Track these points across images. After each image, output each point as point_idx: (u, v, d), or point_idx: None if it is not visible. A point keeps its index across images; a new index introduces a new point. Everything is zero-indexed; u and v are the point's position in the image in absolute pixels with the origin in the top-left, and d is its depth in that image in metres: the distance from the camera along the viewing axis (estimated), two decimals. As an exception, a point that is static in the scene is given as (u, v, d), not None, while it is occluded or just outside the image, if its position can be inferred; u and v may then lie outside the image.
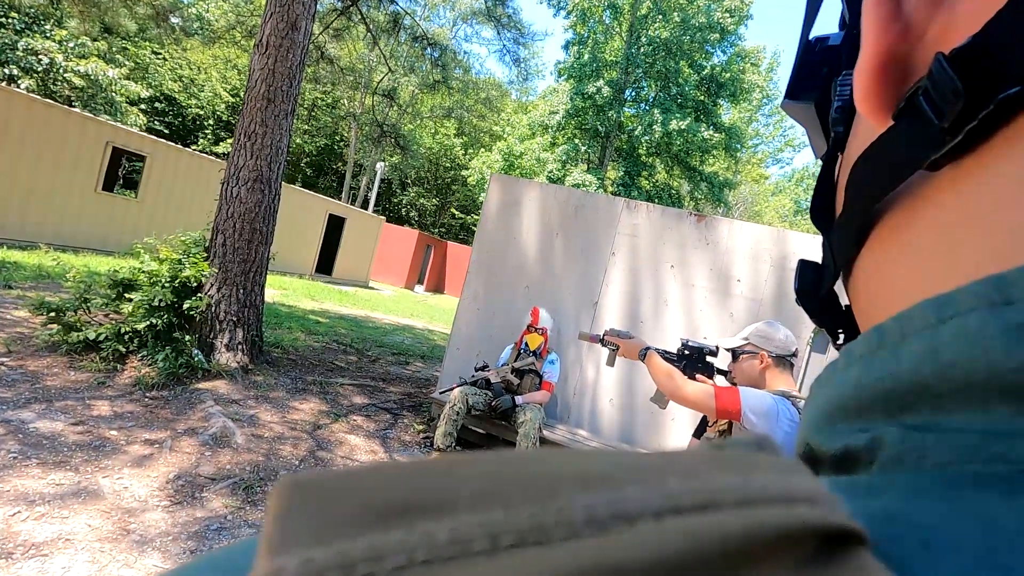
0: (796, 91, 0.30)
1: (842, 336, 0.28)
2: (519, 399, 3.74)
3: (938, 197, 0.17)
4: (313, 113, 28.09)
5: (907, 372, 0.14)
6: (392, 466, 0.10)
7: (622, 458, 0.10)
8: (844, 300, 0.28)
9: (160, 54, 23.17)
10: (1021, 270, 0.12)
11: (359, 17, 8.47)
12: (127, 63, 16.71)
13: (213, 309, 4.47)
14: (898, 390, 0.14)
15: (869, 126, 0.20)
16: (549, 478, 0.09)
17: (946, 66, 0.15)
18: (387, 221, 23.92)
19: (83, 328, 4.06)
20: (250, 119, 4.53)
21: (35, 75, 12.45)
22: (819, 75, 0.28)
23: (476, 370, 3.91)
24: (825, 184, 0.27)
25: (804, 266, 0.29)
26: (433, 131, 31.01)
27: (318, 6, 5.14)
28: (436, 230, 32.93)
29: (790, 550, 0.09)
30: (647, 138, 20.70)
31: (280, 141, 4.66)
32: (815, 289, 0.28)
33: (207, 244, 4.62)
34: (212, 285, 4.48)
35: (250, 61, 4.68)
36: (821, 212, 0.27)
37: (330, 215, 15.82)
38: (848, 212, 0.22)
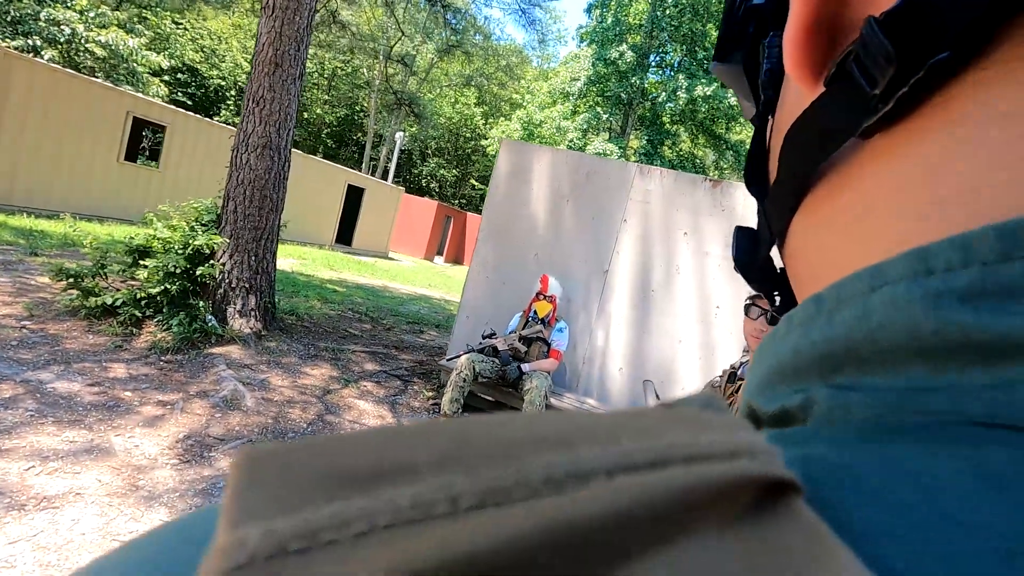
0: (723, 53, 0.30)
1: (778, 299, 0.29)
2: (526, 367, 3.72)
3: (867, 166, 0.17)
4: (333, 83, 27.94)
5: (840, 336, 0.15)
6: (354, 435, 0.10)
7: (578, 420, 0.11)
8: (778, 263, 0.28)
9: (181, 24, 23.17)
10: (942, 244, 0.14)
11: (372, -20, 8.29)
12: (147, 33, 16.75)
13: (226, 276, 4.52)
14: (831, 353, 0.15)
15: (800, 91, 0.20)
16: (509, 442, 0.10)
17: (877, 30, 0.15)
18: (408, 192, 23.92)
19: (101, 293, 4.16)
20: (258, 84, 4.50)
21: (58, 46, 12.57)
22: (745, 36, 0.27)
23: (483, 337, 3.90)
24: (758, 149, 0.26)
25: (740, 233, 0.29)
26: (453, 100, 30.61)
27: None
28: (456, 201, 32.82)
29: (732, 501, 0.09)
30: (671, 105, 20.10)
31: (289, 107, 4.62)
32: (752, 256, 0.28)
33: (219, 212, 4.65)
34: (224, 252, 4.53)
35: (258, 25, 4.62)
36: (755, 178, 0.27)
37: (349, 185, 15.86)
38: (782, 179, 0.22)
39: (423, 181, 32.20)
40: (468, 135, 31.79)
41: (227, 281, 4.53)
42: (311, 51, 24.09)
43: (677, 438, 0.10)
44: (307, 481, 0.09)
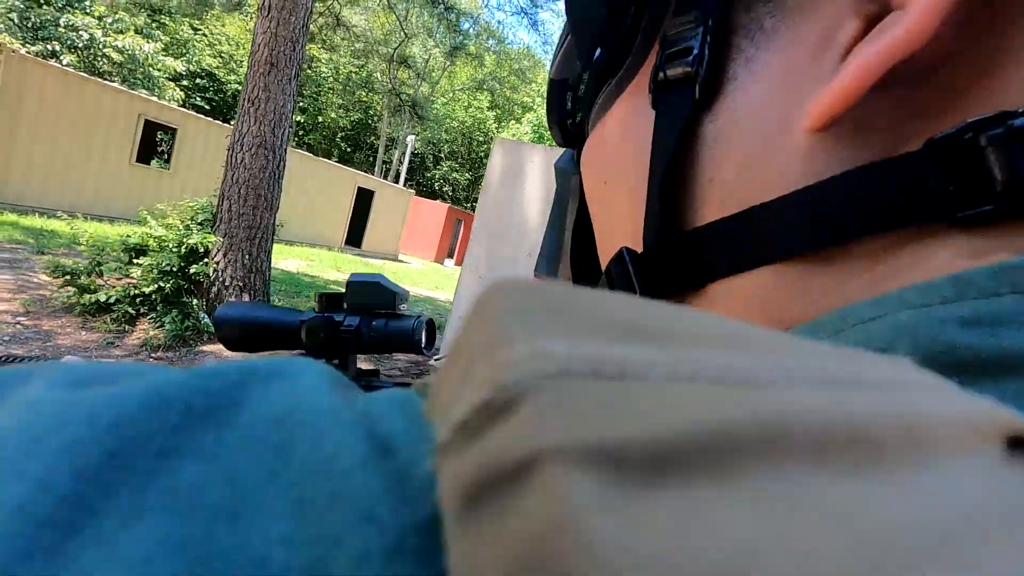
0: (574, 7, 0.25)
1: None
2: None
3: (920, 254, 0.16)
4: (348, 87, 28.21)
5: None
6: (611, 296, 0.09)
7: (794, 341, 0.10)
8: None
9: (199, 30, 23.59)
10: (939, 280, 0.15)
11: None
12: (163, 38, 17.09)
13: (219, 274, 4.55)
14: None
15: (870, 103, 0.17)
16: (756, 335, 0.10)
17: None
18: (421, 195, 24.03)
19: (96, 291, 4.21)
20: (253, 84, 4.52)
21: (77, 51, 12.87)
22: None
23: (472, 337, 3.87)
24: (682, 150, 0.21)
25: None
26: (466, 104, 30.75)
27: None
28: (468, 204, 32.87)
29: (990, 442, 0.08)
30: (684, 108, 19.95)
31: (284, 106, 4.64)
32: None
33: (214, 210, 4.69)
34: (218, 251, 4.56)
35: (254, 25, 4.66)
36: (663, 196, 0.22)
37: (359, 188, 15.96)
38: (795, 238, 0.18)
39: (436, 184, 32.33)
40: (481, 139, 31.87)
41: (221, 279, 4.55)
42: (325, 56, 24.38)
43: (905, 369, 0.10)
44: (590, 319, 0.08)
